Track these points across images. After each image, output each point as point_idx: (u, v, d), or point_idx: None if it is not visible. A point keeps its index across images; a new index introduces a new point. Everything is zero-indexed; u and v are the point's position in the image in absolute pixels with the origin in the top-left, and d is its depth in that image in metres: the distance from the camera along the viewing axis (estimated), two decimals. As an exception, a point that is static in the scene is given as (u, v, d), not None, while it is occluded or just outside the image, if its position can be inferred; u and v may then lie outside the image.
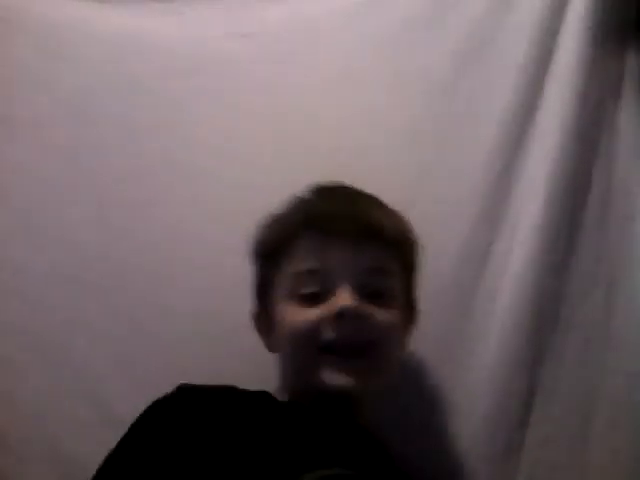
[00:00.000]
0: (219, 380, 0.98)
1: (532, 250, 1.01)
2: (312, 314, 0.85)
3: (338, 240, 0.87)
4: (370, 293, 0.87)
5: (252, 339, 0.92)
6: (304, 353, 0.85)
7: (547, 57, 1.06)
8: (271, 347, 0.92)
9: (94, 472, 0.83)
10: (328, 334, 0.84)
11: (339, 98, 1.11)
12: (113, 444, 0.98)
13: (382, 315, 0.86)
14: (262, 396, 0.87)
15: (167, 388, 0.99)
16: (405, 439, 0.96)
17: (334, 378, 0.83)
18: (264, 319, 0.92)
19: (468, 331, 1.01)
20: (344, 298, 0.84)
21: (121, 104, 1.11)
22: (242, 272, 0.92)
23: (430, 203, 1.05)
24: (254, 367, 0.94)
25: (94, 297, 1.04)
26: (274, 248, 0.91)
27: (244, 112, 1.11)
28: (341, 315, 0.84)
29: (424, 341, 0.98)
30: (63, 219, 1.06)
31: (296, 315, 0.86)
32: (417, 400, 0.99)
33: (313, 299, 0.86)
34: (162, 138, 1.10)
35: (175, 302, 1.03)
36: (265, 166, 1.08)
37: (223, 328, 0.98)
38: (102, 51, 1.12)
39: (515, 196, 1.04)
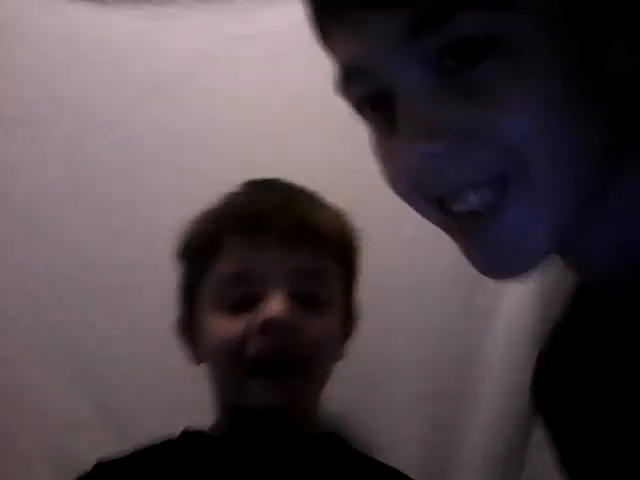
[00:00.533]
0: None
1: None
2: (236, 326, 0.77)
3: (268, 240, 0.79)
4: (305, 297, 0.79)
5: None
6: (229, 371, 0.79)
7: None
8: (196, 358, 0.85)
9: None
10: (253, 349, 0.76)
11: (339, 99, 1.11)
12: (113, 444, 0.99)
13: (317, 325, 0.79)
14: (189, 443, 0.83)
15: (167, 388, 1.00)
16: (406, 440, 0.96)
17: (264, 398, 0.77)
18: (188, 327, 0.86)
19: (470, 330, 1.01)
20: (272, 307, 0.76)
21: (121, 105, 1.11)
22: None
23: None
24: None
25: (94, 297, 1.04)
26: (198, 249, 0.84)
27: (244, 113, 1.11)
28: (266, 326, 0.76)
29: (425, 340, 0.98)
30: (63, 219, 1.07)
31: (220, 327, 0.79)
32: (418, 400, 0.99)
33: (240, 307, 0.79)
34: (162, 139, 1.10)
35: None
36: (265, 166, 1.08)
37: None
38: (102, 53, 1.13)
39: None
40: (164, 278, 1.04)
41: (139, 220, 1.07)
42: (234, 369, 0.78)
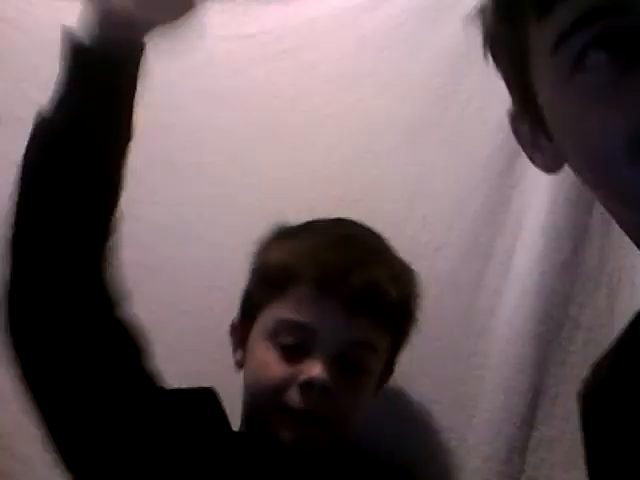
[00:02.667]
0: (218, 379, 0.98)
1: (536, 250, 1.00)
2: (282, 371, 0.84)
3: (333, 302, 0.84)
4: (349, 364, 0.85)
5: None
6: (264, 405, 0.85)
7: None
8: (238, 364, 0.91)
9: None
10: (292, 399, 0.83)
11: (339, 98, 1.11)
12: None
13: (351, 396, 0.85)
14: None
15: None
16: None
17: (287, 437, 0.83)
18: (241, 332, 0.91)
19: (471, 331, 1.01)
20: (316, 369, 0.83)
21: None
22: (242, 271, 0.92)
23: (430, 203, 1.05)
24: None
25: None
26: (273, 277, 0.88)
27: (244, 112, 1.10)
28: (307, 386, 0.83)
29: (426, 341, 0.98)
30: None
31: (268, 364, 0.85)
32: (418, 400, 0.99)
33: (291, 351, 0.85)
34: (162, 138, 1.10)
35: (176, 301, 1.03)
36: (264, 166, 1.08)
37: (224, 327, 0.98)
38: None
39: (517, 196, 1.04)
40: (164, 278, 1.05)
41: (138, 220, 1.07)
42: (269, 405, 0.84)
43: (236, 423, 0.90)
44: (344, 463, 0.87)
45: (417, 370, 0.94)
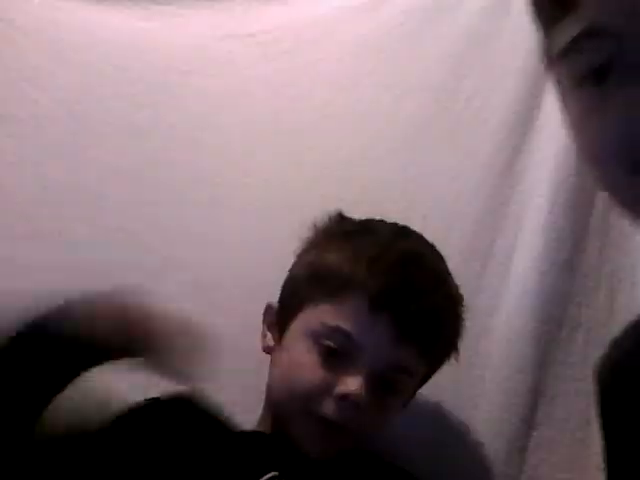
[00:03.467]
0: (218, 378, 0.98)
1: (536, 250, 1.00)
2: (319, 378, 0.82)
3: (389, 321, 0.82)
4: (385, 384, 0.84)
5: (251, 338, 0.92)
6: (293, 407, 0.84)
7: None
8: (267, 348, 0.90)
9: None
10: (327, 408, 0.82)
11: (339, 98, 1.11)
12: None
13: (380, 415, 0.85)
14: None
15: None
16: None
17: (313, 446, 0.82)
18: (278, 319, 0.89)
19: (471, 331, 1.01)
20: (354, 384, 0.81)
21: (121, 104, 1.11)
22: (242, 271, 0.92)
23: (431, 203, 1.05)
24: (254, 365, 0.94)
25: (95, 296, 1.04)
26: (326, 280, 0.85)
27: (244, 112, 1.10)
28: (345, 398, 0.81)
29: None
30: (64, 219, 1.06)
31: (306, 367, 0.83)
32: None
33: (332, 358, 0.83)
34: (162, 138, 1.10)
35: (176, 301, 1.03)
36: (264, 166, 1.08)
37: (225, 327, 0.98)
38: (102, 52, 1.12)
39: (517, 196, 1.04)
40: (165, 278, 1.05)
41: (139, 220, 1.07)
42: (300, 410, 0.83)
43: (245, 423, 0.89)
44: (354, 465, 0.87)
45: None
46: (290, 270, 0.90)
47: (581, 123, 0.55)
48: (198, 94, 1.11)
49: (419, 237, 0.91)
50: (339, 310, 0.83)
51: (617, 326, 1.00)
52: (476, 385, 0.99)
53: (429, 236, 0.92)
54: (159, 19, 1.14)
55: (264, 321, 0.91)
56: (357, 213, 0.92)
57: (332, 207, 0.93)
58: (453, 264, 1.01)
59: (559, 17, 0.53)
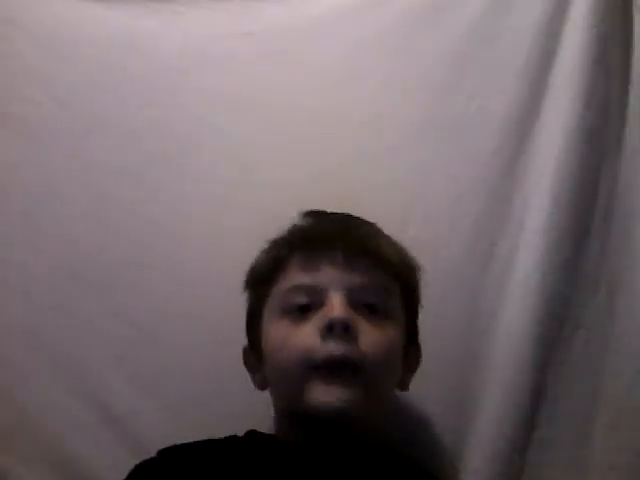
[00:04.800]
0: (219, 377, 0.98)
1: (538, 251, 1.00)
2: (301, 330, 0.81)
3: (329, 256, 0.83)
4: (364, 307, 0.83)
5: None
6: (293, 373, 0.81)
7: (550, 56, 1.06)
8: (260, 384, 0.89)
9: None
10: (318, 352, 0.79)
11: (339, 98, 1.11)
12: (113, 444, 0.98)
13: (375, 331, 0.82)
14: (248, 439, 0.86)
15: (168, 388, 1.00)
16: (407, 440, 0.96)
17: (324, 395, 0.79)
18: (254, 353, 0.89)
19: (472, 332, 1.01)
20: (334, 308, 0.80)
21: (120, 102, 1.11)
22: (242, 270, 0.92)
23: (431, 203, 1.05)
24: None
25: (95, 296, 1.04)
26: (263, 274, 0.88)
27: (244, 112, 1.10)
28: (331, 327, 0.79)
29: (428, 341, 0.97)
30: (63, 218, 1.06)
31: (285, 330, 0.82)
32: (420, 401, 0.99)
33: (303, 313, 0.82)
34: (161, 137, 1.10)
35: (176, 300, 1.03)
36: (264, 165, 1.08)
37: (225, 326, 0.98)
38: (102, 51, 1.12)
39: (518, 197, 1.04)
40: (165, 278, 1.05)
41: (139, 219, 1.07)
42: (298, 372, 0.80)
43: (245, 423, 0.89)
44: (380, 464, 0.85)
45: (418, 371, 0.94)
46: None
47: None
48: (197, 93, 1.11)
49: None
50: (286, 277, 0.85)
51: (617, 326, 1.01)
52: (477, 386, 0.99)
53: (429, 236, 0.92)
54: (158, 18, 1.14)
55: (246, 365, 0.91)
56: (357, 213, 0.92)
57: (332, 207, 0.93)
58: (454, 265, 1.02)
59: None
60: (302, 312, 0.83)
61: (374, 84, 1.10)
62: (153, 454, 0.85)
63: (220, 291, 1.01)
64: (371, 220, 0.90)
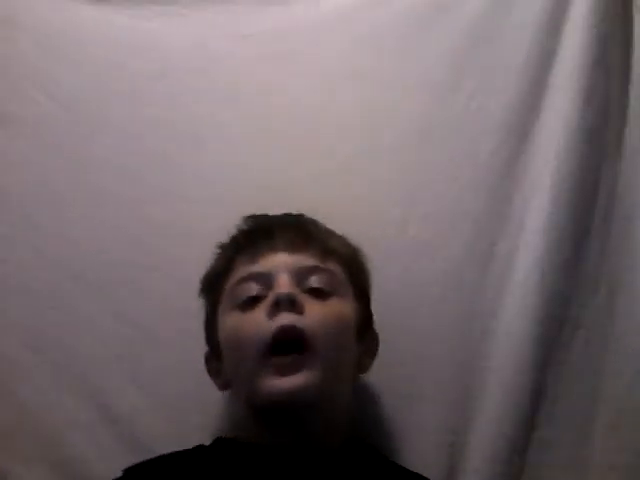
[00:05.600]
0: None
1: (538, 251, 1.00)
2: (249, 316, 0.84)
3: (271, 244, 0.88)
4: (309, 289, 0.85)
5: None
6: (247, 364, 0.82)
7: (550, 56, 1.06)
8: (222, 385, 0.91)
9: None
10: (268, 329, 0.81)
11: (339, 98, 1.11)
12: (113, 444, 0.98)
13: (321, 307, 0.84)
14: (215, 447, 0.86)
15: (168, 388, 1.00)
16: (407, 441, 0.96)
17: (277, 382, 0.79)
18: (214, 356, 0.91)
19: (472, 333, 1.01)
20: (280, 287, 0.83)
21: (121, 104, 1.11)
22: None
23: (431, 203, 1.05)
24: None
25: (95, 296, 1.04)
26: (213, 277, 0.92)
27: (244, 112, 1.10)
28: (278, 303, 0.82)
29: (427, 342, 0.98)
30: (64, 217, 1.06)
31: (235, 319, 0.85)
32: (420, 401, 0.99)
33: (253, 302, 0.85)
34: (162, 137, 1.10)
35: (176, 300, 1.03)
36: (264, 165, 1.08)
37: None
38: (103, 52, 1.12)
39: (518, 197, 1.04)
40: (166, 277, 1.05)
41: (140, 219, 1.07)
42: (252, 358, 0.81)
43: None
44: (364, 466, 0.85)
45: (419, 371, 0.94)
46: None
47: None
48: (198, 94, 1.11)
49: None
50: (234, 274, 0.88)
51: (617, 326, 1.01)
52: (477, 386, 0.99)
53: (429, 236, 0.92)
54: (160, 19, 1.14)
55: (209, 372, 0.92)
56: (357, 213, 0.92)
57: (332, 207, 0.93)
58: (454, 265, 1.02)
59: None
60: (252, 302, 0.85)
61: (374, 84, 1.10)
62: (153, 454, 0.85)
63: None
64: (371, 219, 0.91)
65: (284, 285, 0.84)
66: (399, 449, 0.95)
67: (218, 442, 0.88)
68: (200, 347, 0.98)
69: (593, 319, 1.01)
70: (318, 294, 0.85)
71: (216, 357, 0.91)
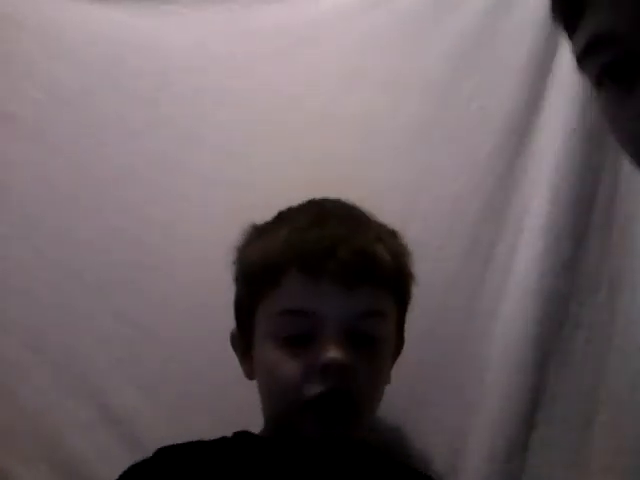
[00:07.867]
0: (219, 377, 0.98)
1: (537, 251, 1.00)
2: (294, 366, 0.80)
3: (329, 281, 0.80)
4: (361, 338, 0.81)
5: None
6: (285, 405, 0.81)
7: (550, 56, 1.06)
8: (249, 374, 0.88)
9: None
10: (311, 391, 0.79)
11: (339, 98, 1.11)
12: (113, 444, 0.99)
13: (371, 370, 0.81)
14: (241, 440, 0.86)
15: (168, 388, 1.00)
16: (408, 440, 0.96)
17: (316, 431, 0.79)
18: (243, 342, 0.88)
19: (472, 332, 1.01)
20: (330, 350, 0.78)
21: (122, 102, 1.11)
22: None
23: (431, 204, 1.05)
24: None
25: (96, 296, 1.04)
26: (258, 275, 0.85)
27: (244, 112, 1.10)
28: (327, 370, 0.78)
29: (427, 342, 0.98)
30: (64, 217, 1.06)
31: (277, 361, 0.81)
32: (420, 401, 0.99)
33: (296, 343, 0.80)
34: (162, 137, 1.10)
35: (176, 300, 1.03)
36: (264, 165, 1.08)
37: (224, 324, 0.98)
38: (103, 50, 1.12)
39: (518, 197, 1.04)
40: (166, 277, 1.05)
41: (140, 219, 1.07)
42: (290, 404, 0.80)
43: (246, 424, 0.89)
44: (372, 467, 0.85)
45: (418, 371, 0.94)
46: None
47: (607, 117, 0.65)
48: (198, 93, 1.11)
49: (324, 200, 0.91)
50: (281, 296, 0.82)
51: (617, 326, 1.01)
52: (477, 386, 0.99)
53: (429, 236, 0.92)
54: (160, 18, 1.14)
55: (235, 350, 0.90)
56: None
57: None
58: (454, 265, 1.02)
59: (574, 26, 0.62)
60: (294, 343, 0.81)
61: (374, 84, 1.10)
62: (153, 454, 0.85)
63: (221, 290, 1.01)
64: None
65: (334, 348, 0.79)
66: (399, 449, 0.95)
67: (240, 436, 0.88)
68: (200, 347, 0.99)
69: (593, 319, 1.01)
70: (366, 340, 0.81)
71: (245, 342, 0.87)
